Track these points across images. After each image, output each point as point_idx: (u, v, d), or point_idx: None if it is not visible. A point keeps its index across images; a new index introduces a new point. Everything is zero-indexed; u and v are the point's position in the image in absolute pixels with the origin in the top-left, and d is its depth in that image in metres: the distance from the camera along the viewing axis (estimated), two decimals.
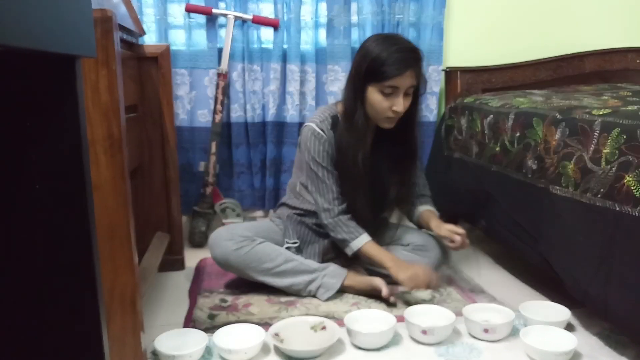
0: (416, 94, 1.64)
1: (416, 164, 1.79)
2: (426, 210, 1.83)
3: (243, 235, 1.67)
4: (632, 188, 1.18)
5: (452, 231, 1.67)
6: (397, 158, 1.73)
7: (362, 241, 1.66)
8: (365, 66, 1.58)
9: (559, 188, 1.45)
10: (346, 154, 1.65)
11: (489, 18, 2.52)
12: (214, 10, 2.19)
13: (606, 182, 1.27)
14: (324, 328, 1.40)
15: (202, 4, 2.21)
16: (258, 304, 1.61)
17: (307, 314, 1.52)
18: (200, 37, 2.25)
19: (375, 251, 1.65)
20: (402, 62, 1.53)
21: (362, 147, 1.65)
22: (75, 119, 0.62)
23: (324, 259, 1.76)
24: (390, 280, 1.62)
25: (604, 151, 1.30)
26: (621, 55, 2.55)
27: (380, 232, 1.81)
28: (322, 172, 1.68)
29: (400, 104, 1.57)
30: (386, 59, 1.54)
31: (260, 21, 2.21)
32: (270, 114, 2.30)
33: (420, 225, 1.85)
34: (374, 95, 1.58)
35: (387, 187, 1.74)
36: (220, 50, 2.24)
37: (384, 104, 1.58)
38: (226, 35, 2.19)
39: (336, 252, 1.77)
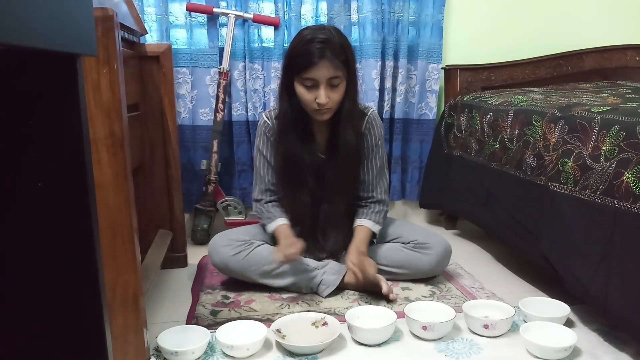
0: (349, 85, 1.59)
1: (357, 160, 1.71)
2: (359, 226, 1.70)
3: (240, 240, 1.68)
4: (632, 185, 1.18)
5: (352, 270, 1.59)
6: (345, 154, 1.67)
7: (275, 224, 1.67)
8: (286, 60, 1.58)
9: (558, 185, 1.45)
10: (277, 144, 1.67)
11: (489, 16, 2.52)
12: (215, 10, 2.19)
13: (605, 179, 1.26)
14: (325, 324, 1.40)
15: (203, 3, 2.21)
16: (260, 300, 1.62)
17: (308, 310, 1.53)
18: (202, 36, 2.25)
19: (281, 233, 1.64)
20: (313, 54, 1.50)
21: (288, 137, 1.64)
22: (76, 118, 0.61)
23: (318, 257, 1.73)
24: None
25: (603, 148, 1.30)
26: (620, 53, 2.55)
27: (337, 222, 1.74)
28: (260, 160, 1.72)
29: (321, 96, 1.53)
30: (299, 51, 1.53)
31: (261, 20, 2.21)
32: None
33: None
34: (298, 88, 1.57)
35: (337, 182, 1.69)
36: (221, 49, 2.24)
37: (307, 96, 1.56)
38: (227, 34, 2.20)
39: (330, 250, 1.74)
